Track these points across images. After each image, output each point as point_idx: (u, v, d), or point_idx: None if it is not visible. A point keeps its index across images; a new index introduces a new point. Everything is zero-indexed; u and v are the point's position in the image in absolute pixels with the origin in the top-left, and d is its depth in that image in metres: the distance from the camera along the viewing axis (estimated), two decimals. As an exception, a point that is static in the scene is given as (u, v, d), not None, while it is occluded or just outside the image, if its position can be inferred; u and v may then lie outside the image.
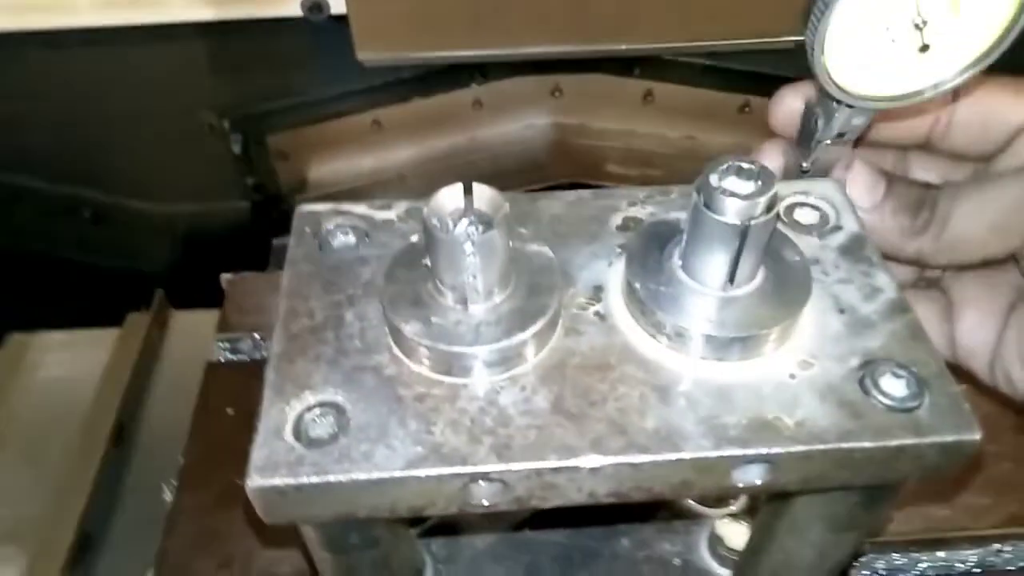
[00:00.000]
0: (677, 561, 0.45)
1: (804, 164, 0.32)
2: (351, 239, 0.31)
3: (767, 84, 1.21)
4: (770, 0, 0.91)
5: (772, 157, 0.35)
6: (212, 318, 0.62)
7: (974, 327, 0.35)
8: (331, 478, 0.24)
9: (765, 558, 0.33)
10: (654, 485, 0.26)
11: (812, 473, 0.26)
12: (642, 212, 0.31)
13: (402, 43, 0.89)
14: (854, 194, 0.33)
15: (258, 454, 0.25)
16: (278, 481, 0.24)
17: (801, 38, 0.82)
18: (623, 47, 0.98)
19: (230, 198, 1.12)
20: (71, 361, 0.68)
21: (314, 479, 0.24)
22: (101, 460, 0.58)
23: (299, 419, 0.26)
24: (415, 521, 0.41)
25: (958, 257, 0.32)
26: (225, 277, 0.68)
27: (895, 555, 0.49)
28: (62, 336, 0.72)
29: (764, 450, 0.25)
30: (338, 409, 0.26)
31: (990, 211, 0.31)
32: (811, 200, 0.32)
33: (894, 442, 0.25)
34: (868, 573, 0.48)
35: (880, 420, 0.25)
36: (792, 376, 0.27)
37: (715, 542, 0.43)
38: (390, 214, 0.32)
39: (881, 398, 0.26)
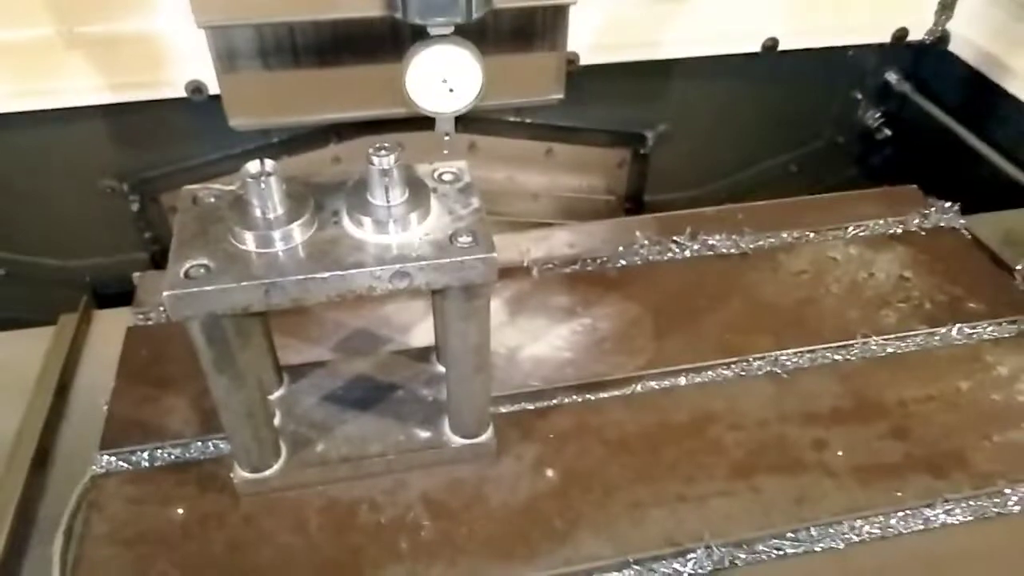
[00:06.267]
0: (430, 399, 0.76)
1: (445, 151, 0.65)
2: (212, 199, 0.62)
3: (563, 132, 1.56)
4: (536, 72, 1.25)
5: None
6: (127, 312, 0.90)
7: None
8: (202, 288, 0.54)
9: (441, 346, 0.65)
10: (355, 288, 0.57)
11: (427, 277, 0.57)
12: (359, 176, 0.63)
13: (265, 112, 1.17)
14: None
15: (168, 284, 0.54)
16: (177, 291, 0.54)
17: (559, 96, 1.14)
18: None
19: (131, 250, 1.34)
20: (18, 347, 0.94)
21: (193, 289, 0.54)
22: (53, 396, 0.85)
23: (187, 271, 0.56)
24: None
25: None
26: (135, 275, 0.95)
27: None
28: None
29: (401, 266, 0.56)
30: (205, 267, 0.56)
31: None
32: (450, 168, 0.65)
33: (457, 258, 0.57)
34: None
35: (454, 251, 0.57)
36: (421, 239, 0.59)
37: (448, 381, 0.75)
38: (232, 186, 0.63)
39: (456, 244, 0.58)
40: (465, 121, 1.43)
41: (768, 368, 0.83)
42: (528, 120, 1.46)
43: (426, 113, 0.59)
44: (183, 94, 1.11)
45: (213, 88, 1.10)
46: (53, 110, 1.09)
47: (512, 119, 1.45)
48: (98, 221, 1.27)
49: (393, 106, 1.23)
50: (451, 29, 0.54)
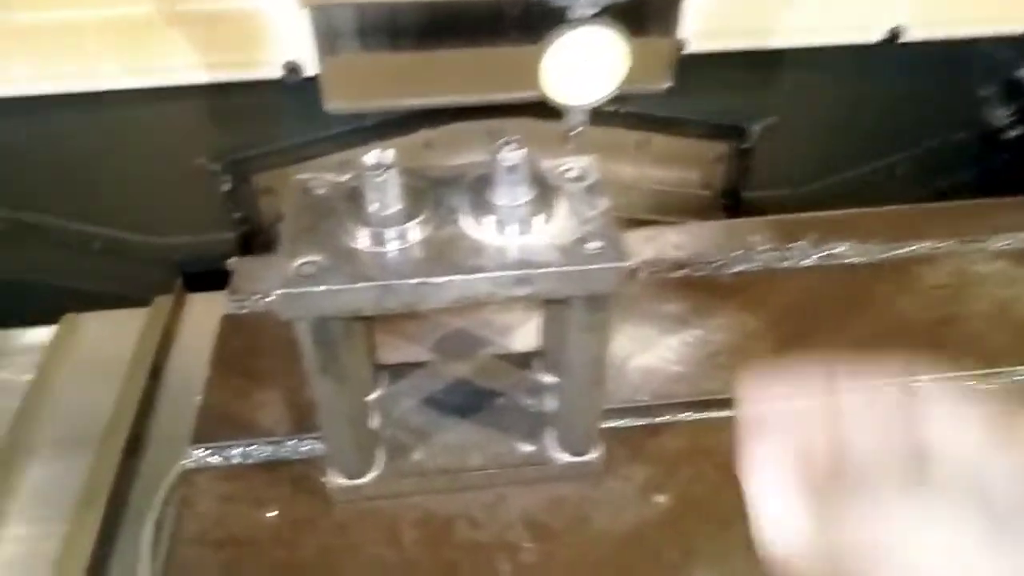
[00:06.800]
0: (533, 410, 0.71)
1: (570, 146, 0.59)
2: (323, 190, 0.58)
3: (661, 123, 1.49)
4: (646, 58, 1.18)
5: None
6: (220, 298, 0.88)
7: None
8: (313, 289, 0.50)
9: (554, 356, 0.60)
10: (475, 294, 0.52)
11: (551, 285, 0.52)
12: (480, 171, 0.58)
13: (362, 95, 1.14)
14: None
15: (279, 281, 0.51)
16: (289, 290, 0.50)
17: (670, 84, 1.09)
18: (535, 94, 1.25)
19: (220, 230, 1.34)
20: (112, 327, 0.94)
21: (304, 289, 0.50)
22: (146, 380, 0.84)
23: (298, 267, 0.52)
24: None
25: None
26: (231, 261, 0.93)
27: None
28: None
29: (524, 272, 0.51)
30: (317, 264, 0.52)
31: None
32: (575, 165, 0.60)
33: (586, 266, 0.52)
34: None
35: (581, 257, 0.52)
36: (545, 242, 0.53)
37: (554, 391, 0.69)
38: (344, 177, 0.59)
39: (585, 250, 0.53)
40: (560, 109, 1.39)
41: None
42: (625, 109, 1.39)
43: (560, 105, 0.53)
44: (279, 75, 1.09)
45: (308, 69, 1.08)
46: (151, 89, 1.09)
47: (608, 108, 1.38)
48: (189, 200, 1.27)
49: (493, 91, 1.20)
50: (595, 10, 0.49)
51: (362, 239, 0.53)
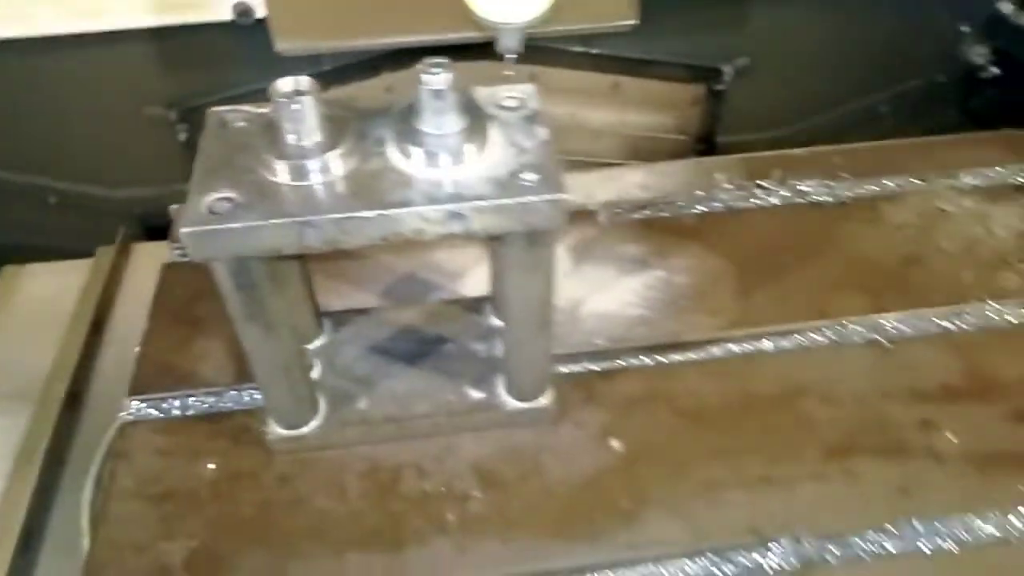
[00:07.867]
0: (483, 355, 0.69)
1: (507, 72, 0.55)
2: (242, 123, 0.54)
3: (632, 65, 1.43)
4: None
5: None
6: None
7: None
8: (225, 226, 0.47)
9: (498, 299, 0.56)
10: (402, 230, 0.49)
11: (484, 222, 0.49)
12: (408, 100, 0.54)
13: (313, 35, 1.09)
14: None
15: (187, 219, 0.47)
16: (198, 228, 0.47)
17: (634, 22, 1.03)
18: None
19: (178, 181, 1.29)
20: (56, 279, 0.90)
21: (216, 227, 0.47)
22: (87, 334, 0.80)
23: (210, 205, 0.48)
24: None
25: None
26: (172, 207, 0.89)
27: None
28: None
29: (455, 206, 0.48)
30: (231, 200, 0.48)
31: None
32: (514, 94, 0.56)
33: (520, 199, 0.48)
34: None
35: (517, 190, 0.49)
36: (477, 174, 0.50)
37: (504, 336, 0.66)
38: (265, 109, 0.55)
39: (519, 181, 0.49)
40: (526, 50, 1.34)
41: (867, 335, 0.73)
42: (594, 50, 1.34)
43: (489, 23, 0.49)
44: (229, 17, 1.05)
45: (261, 11, 1.04)
46: (99, 33, 1.05)
47: (577, 49, 1.34)
48: (147, 151, 1.23)
49: (451, 31, 1.14)
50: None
51: (281, 173, 0.49)
